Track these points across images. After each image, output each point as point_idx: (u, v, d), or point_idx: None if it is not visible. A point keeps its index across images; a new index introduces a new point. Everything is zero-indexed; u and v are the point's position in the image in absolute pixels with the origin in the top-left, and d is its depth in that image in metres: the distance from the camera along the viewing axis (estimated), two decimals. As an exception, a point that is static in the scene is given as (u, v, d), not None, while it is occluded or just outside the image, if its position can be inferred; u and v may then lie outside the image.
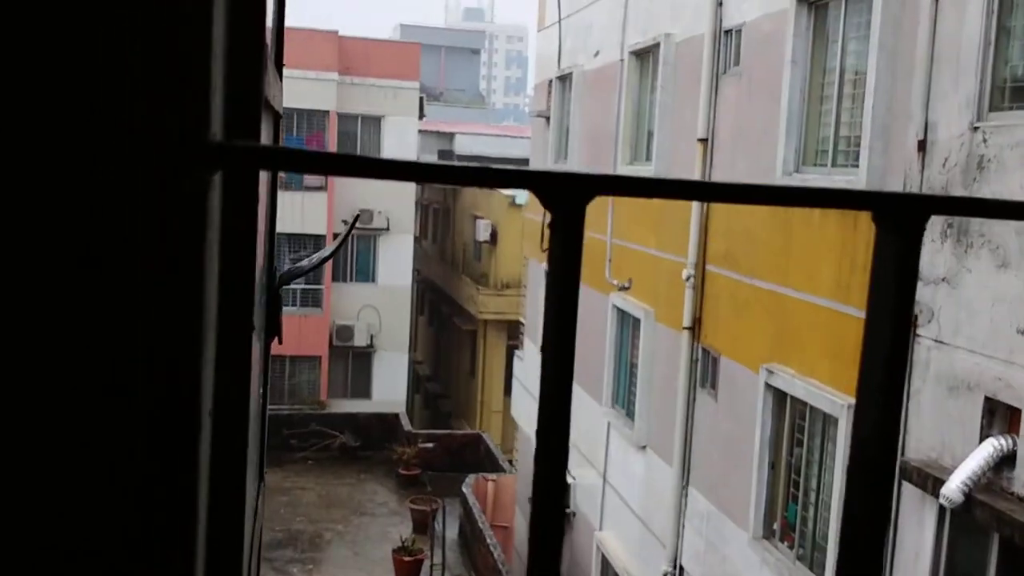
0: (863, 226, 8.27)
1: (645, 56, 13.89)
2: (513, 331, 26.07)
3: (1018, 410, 6.63)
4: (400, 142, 29.71)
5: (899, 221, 0.70)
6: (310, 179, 27.85)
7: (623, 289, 13.82)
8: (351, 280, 29.99)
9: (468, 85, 73.14)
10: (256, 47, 1.26)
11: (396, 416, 27.92)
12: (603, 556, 14.63)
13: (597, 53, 15.71)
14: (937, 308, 7.42)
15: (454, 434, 27.78)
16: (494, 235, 29.26)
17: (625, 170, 14.02)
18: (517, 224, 24.48)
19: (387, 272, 30.19)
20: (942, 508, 7.16)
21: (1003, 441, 6.62)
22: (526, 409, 19.11)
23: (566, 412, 0.66)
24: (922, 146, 7.63)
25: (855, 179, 8.56)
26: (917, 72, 7.69)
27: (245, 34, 1.09)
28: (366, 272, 30.19)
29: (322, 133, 28.91)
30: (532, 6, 23.91)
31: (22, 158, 0.66)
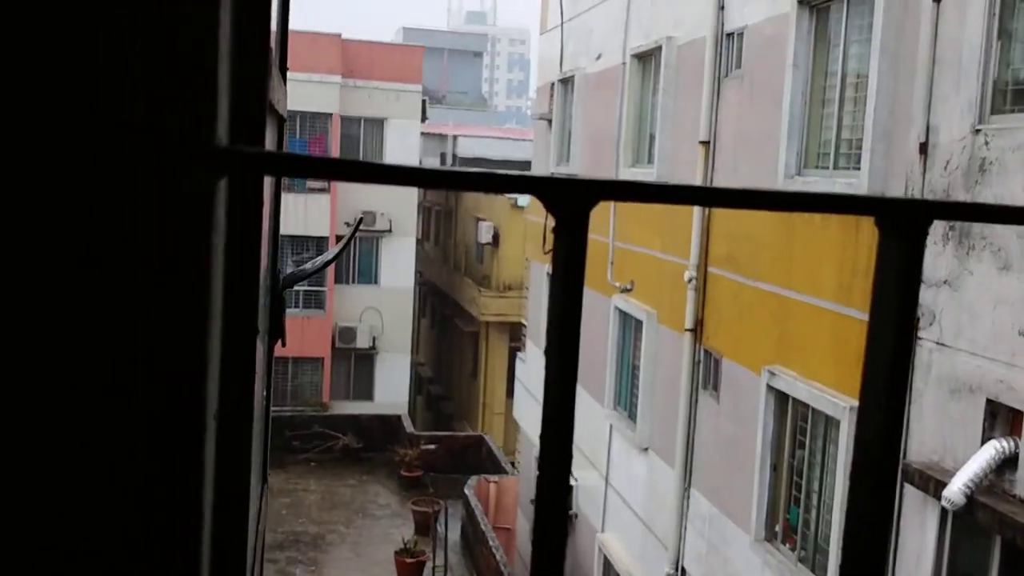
0: (865, 228, 8.27)
1: (647, 59, 13.90)
2: (515, 333, 26.06)
3: (1020, 412, 6.63)
4: (403, 145, 29.73)
5: (901, 226, 0.70)
6: (313, 182, 27.85)
7: (625, 291, 13.82)
8: (354, 282, 30.01)
9: (470, 88, 73.19)
10: (260, 51, 1.27)
11: (398, 418, 27.92)
12: (605, 558, 14.62)
13: (599, 56, 15.71)
14: (939, 311, 7.41)
15: (456, 436, 27.77)
16: (496, 237, 29.27)
17: (627, 173, 14.02)
18: (519, 226, 24.47)
19: (389, 274, 30.20)
20: (944, 510, 7.16)
21: (1005, 443, 6.62)
22: (528, 411, 19.11)
23: (570, 415, 0.66)
24: (924, 149, 7.63)
25: (857, 182, 8.55)
26: (919, 75, 7.69)
27: (249, 38, 1.10)
28: (368, 274, 30.20)
29: (325, 136, 28.94)
30: (534, 9, 23.94)
31: (22, 157, 0.66)
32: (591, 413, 14.93)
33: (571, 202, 0.65)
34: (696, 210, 11.70)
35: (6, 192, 0.66)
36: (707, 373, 11.69)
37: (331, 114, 28.81)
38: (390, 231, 29.75)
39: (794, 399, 9.69)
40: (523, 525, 19.45)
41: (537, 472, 0.67)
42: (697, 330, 11.84)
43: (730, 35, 11.36)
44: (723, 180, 11.29)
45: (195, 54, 0.70)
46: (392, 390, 30.14)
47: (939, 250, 7.43)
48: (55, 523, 0.69)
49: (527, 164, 27.90)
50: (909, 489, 7.52)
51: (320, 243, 27.66)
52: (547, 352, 0.66)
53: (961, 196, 7.19)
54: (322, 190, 28.22)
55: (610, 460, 14.72)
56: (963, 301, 7.20)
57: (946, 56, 7.43)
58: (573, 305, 0.65)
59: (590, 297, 14.66)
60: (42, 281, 0.68)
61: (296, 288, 26.64)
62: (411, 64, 30.51)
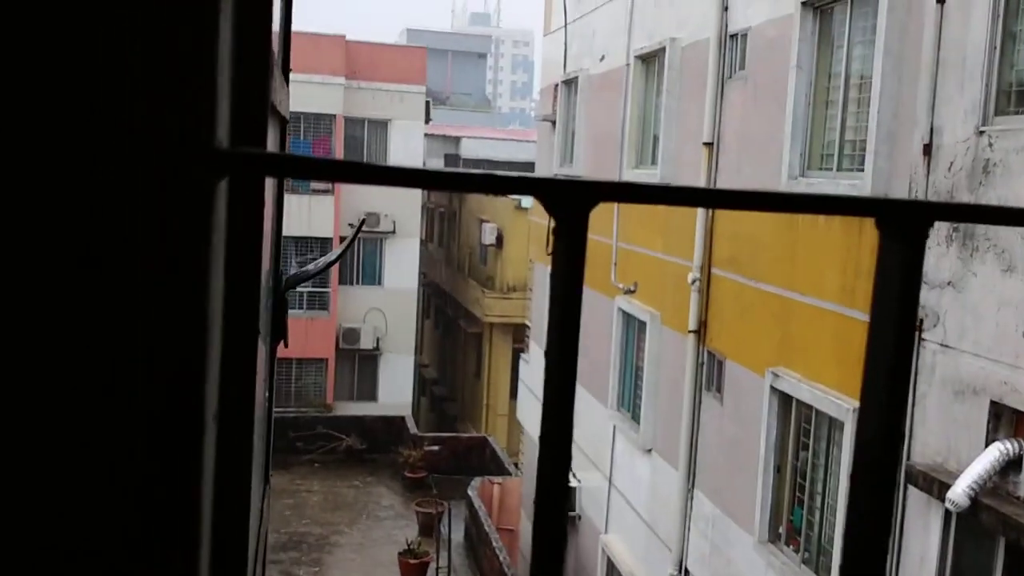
0: (868, 229, 8.25)
1: (651, 60, 13.90)
2: (519, 334, 26.06)
3: (1024, 414, 6.62)
4: (406, 146, 29.76)
5: (902, 227, 0.70)
6: (317, 183, 27.88)
7: (629, 292, 13.82)
8: (358, 283, 30.03)
9: (474, 89, 73.20)
10: (262, 52, 1.27)
11: (402, 419, 27.94)
12: (608, 559, 14.62)
13: (603, 57, 15.72)
14: (943, 312, 7.41)
15: (460, 437, 27.78)
16: (500, 238, 29.27)
17: (630, 174, 14.02)
18: (523, 227, 24.47)
19: (393, 275, 30.22)
20: (948, 512, 7.15)
21: (1009, 445, 6.61)
22: (532, 412, 19.11)
23: (569, 415, 0.66)
24: (927, 150, 7.62)
25: (860, 183, 8.55)
26: (923, 76, 7.68)
27: (251, 39, 1.10)
28: (372, 275, 30.22)
29: (329, 137, 28.97)
30: (538, 11, 23.94)
31: (22, 158, 0.66)
32: (595, 414, 14.92)
33: (570, 203, 0.65)
34: (699, 212, 11.70)
35: (6, 192, 0.66)
36: (711, 374, 11.68)
37: (335, 115, 28.84)
38: (394, 232, 29.76)
39: (797, 401, 9.68)
40: (526, 526, 19.45)
41: (537, 471, 0.67)
42: (701, 331, 11.83)
43: (734, 36, 11.35)
44: (727, 181, 11.28)
45: (195, 54, 0.70)
46: (396, 391, 30.16)
47: (943, 251, 7.42)
48: (55, 523, 0.69)
49: (531, 166, 27.93)
50: (913, 491, 7.52)
51: (324, 244, 27.68)
52: (547, 353, 0.66)
53: (965, 197, 7.19)
54: (326, 191, 28.24)
55: (613, 461, 14.71)
56: (967, 303, 7.19)
57: (950, 57, 7.42)
58: (573, 306, 0.65)
59: (594, 298, 14.66)
60: (42, 281, 0.68)
61: (300, 289, 26.67)
62: (415, 65, 30.53)
